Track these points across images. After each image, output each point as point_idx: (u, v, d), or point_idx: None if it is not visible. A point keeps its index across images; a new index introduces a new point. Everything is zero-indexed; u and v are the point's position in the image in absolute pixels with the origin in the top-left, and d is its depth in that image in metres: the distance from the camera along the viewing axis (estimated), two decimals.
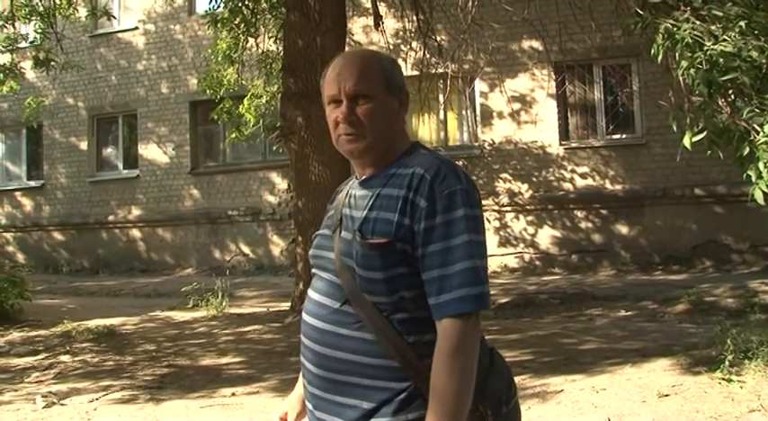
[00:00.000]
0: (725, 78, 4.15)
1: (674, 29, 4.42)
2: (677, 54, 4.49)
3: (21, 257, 13.70)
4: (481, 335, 1.39)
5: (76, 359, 5.75)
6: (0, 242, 14.05)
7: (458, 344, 1.30)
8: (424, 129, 11.24)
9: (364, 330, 1.37)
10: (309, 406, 1.48)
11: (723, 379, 4.17)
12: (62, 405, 4.46)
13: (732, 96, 4.51)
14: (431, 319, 1.34)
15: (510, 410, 1.43)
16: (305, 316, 1.49)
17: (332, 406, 1.40)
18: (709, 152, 4.52)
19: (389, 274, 1.35)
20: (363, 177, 1.49)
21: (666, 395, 4.04)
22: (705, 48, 4.16)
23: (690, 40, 4.25)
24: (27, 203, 14.04)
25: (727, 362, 4.24)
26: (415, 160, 1.42)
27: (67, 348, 6.09)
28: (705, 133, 4.37)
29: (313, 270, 1.54)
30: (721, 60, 4.09)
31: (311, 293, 1.50)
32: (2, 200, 14.22)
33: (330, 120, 1.48)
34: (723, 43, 4.10)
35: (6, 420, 4.18)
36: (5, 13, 8.97)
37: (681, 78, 4.60)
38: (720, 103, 4.48)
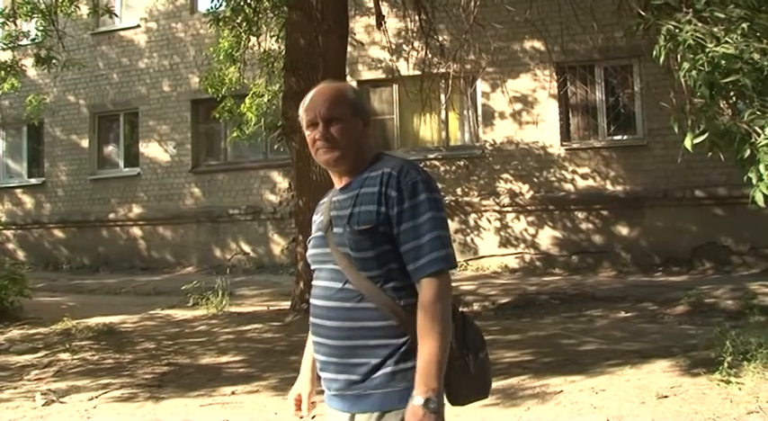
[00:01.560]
0: (726, 80, 4.14)
1: (676, 30, 4.41)
2: (679, 56, 4.48)
3: (21, 255, 13.72)
4: (454, 304, 1.74)
5: (76, 357, 5.75)
6: (1, 239, 14.04)
7: (435, 296, 1.64)
8: (426, 128, 11.24)
9: (365, 301, 1.70)
10: (324, 374, 1.78)
11: (722, 380, 4.17)
12: (61, 403, 4.47)
13: (734, 98, 4.50)
14: (413, 286, 1.68)
15: (485, 356, 1.79)
16: (313, 300, 1.81)
17: (347, 367, 1.72)
18: (710, 154, 4.51)
19: (378, 251, 1.70)
20: (342, 185, 1.83)
21: (665, 396, 4.04)
22: (707, 49, 4.15)
23: (692, 42, 4.24)
24: (28, 201, 14.05)
25: (726, 364, 4.24)
26: (381, 164, 1.78)
27: (67, 346, 6.09)
28: (706, 135, 4.35)
29: (313, 266, 1.86)
30: (723, 62, 4.08)
31: (317, 282, 1.82)
32: (3, 197, 14.22)
33: (309, 140, 1.84)
34: (725, 45, 4.09)
35: (6, 418, 4.19)
36: (7, 11, 8.97)
37: (682, 80, 4.59)
38: (722, 104, 4.46)
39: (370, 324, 1.69)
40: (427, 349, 1.60)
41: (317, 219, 1.89)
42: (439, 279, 1.65)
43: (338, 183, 1.86)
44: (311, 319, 1.82)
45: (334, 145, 1.79)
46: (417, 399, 1.58)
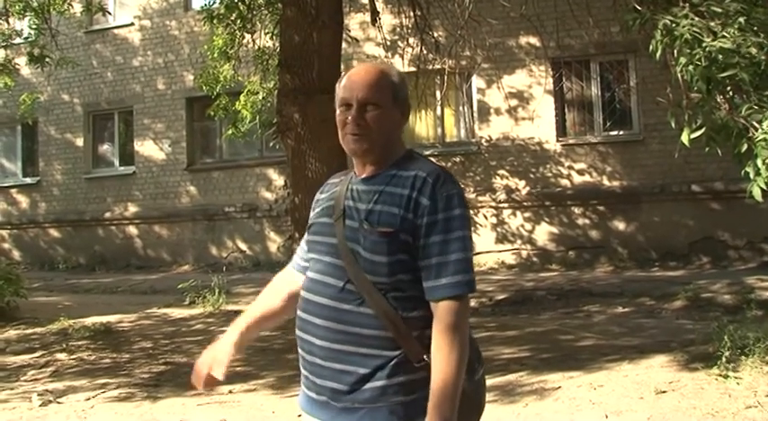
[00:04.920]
0: (724, 75, 4.13)
1: (673, 25, 4.40)
2: (676, 50, 4.46)
3: (17, 254, 13.65)
4: None
5: (73, 357, 5.73)
6: None
7: (456, 322, 1.53)
8: (422, 125, 11.21)
9: (364, 306, 1.58)
10: (306, 373, 1.68)
11: (720, 375, 4.18)
12: (58, 403, 4.45)
13: (731, 93, 4.49)
14: (420, 298, 1.58)
15: (480, 377, 1.68)
16: (306, 294, 1.69)
17: (331, 372, 1.61)
18: (707, 149, 4.50)
19: (392, 259, 1.57)
20: (364, 175, 1.69)
21: (664, 391, 4.05)
22: (704, 44, 4.14)
23: (689, 37, 4.23)
24: (23, 200, 13.98)
25: (723, 359, 4.25)
26: (415, 164, 1.65)
27: (64, 346, 6.07)
28: (704, 130, 4.35)
29: (310, 254, 1.73)
30: (720, 57, 4.07)
31: (312, 275, 1.69)
32: None
33: (339, 121, 1.69)
34: (722, 39, 4.08)
35: (3, 418, 4.17)
36: None
37: (679, 75, 4.57)
38: (719, 99, 4.46)
39: (365, 331, 1.58)
40: (444, 376, 1.50)
41: (324, 202, 1.75)
42: (461, 303, 1.55)
43: (361, 171, 1.70)
44: (299, 313, 1.70)
45: (365, 133, 1.64)
46: None
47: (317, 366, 1.64)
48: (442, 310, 1.54)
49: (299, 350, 1.71)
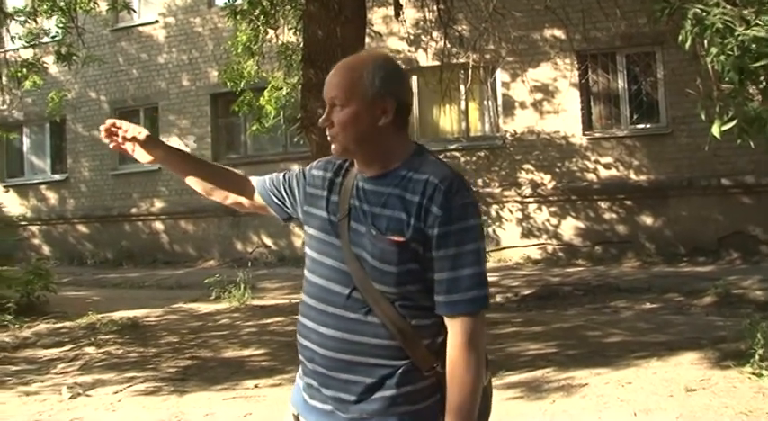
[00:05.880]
0: (757, 64, 4.01)
1: (704, 14, 4.29)
2: (706, 40, 4.36)
3: (46, 250, 13.91)
4: None
5: (101, 350, 5.81)
6: (26, 235, 14.26)
7: (471, 339, 1.46)
8: (446, 119, 11.16)
9: (371, 314, 1.50)
10: (309, 380, 1.60)
11: (753, 373, 4.09)
12: (87, 396, 4.51)
13: (764, 83, 4.37)
14: (430, 308, 1.49)
15: (487, 383, 1.60)
16: (308, 299, 1.59)
17: (336, 382, 1.53)
18: (739, 141, 4.38)
19: (402, 269, 1.47)
20: (370, 174, 1.56)
21: (694, 389, 3.97)
22: (736, 33, 4.03)
23: (720, 26, 4.12)
24: (52, 196, 14.23)
25: (756, 357, 4.15)
26: (427, 167, 1.51)
27: (92, 340, 6.16)
28: (735, 122, 4.24)
29: (310, 252, 1.61)
30: (753, 46, 3.95)
31: (313, 277, 1.58)
32: (27, 193, 14.43)
33: None
34: (755, 28, 3.96)
35: (33, 410, 4.24)
36: (27, 9, 9.05)
37: (710, 66, 4.47)
38: (752, 90, 4.35)
39: (372, 341, 1.49)
40: (459, 397, 1.45)
41: (321, 191, 1.62)
42: (476, 320, 1.47)
43: (363, 169, 1.57)
44: (300, 319, 1.60)
45: (333, 134, 1.54)
46: None
47: (320, 375, 1.56)
48: (455, 327, 1.47)
49: (300, 356, 1.63)
